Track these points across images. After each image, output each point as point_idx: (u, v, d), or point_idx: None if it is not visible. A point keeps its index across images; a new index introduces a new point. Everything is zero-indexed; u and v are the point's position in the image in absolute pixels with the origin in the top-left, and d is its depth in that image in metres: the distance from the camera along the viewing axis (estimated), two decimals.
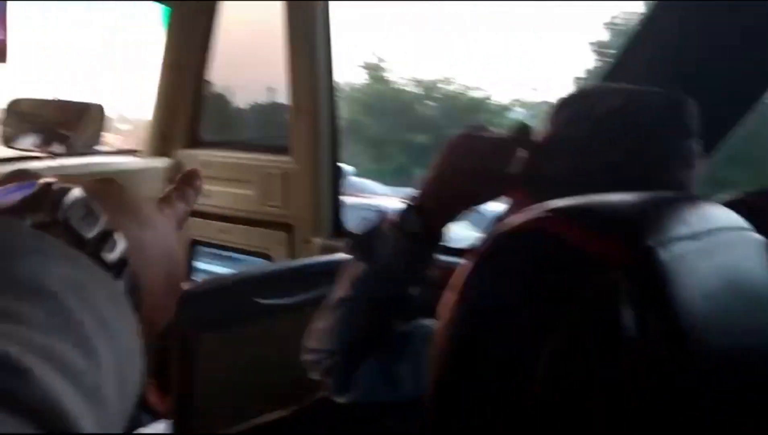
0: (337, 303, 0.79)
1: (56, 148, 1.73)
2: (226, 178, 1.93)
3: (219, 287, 1.22)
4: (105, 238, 0.31)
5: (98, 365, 0.27)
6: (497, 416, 0.45)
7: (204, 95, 2.05)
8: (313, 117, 1.75)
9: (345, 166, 1.82)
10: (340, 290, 0.79)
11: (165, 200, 0.40)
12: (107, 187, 0.35)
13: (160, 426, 1.17)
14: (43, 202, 0.30)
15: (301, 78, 1.76)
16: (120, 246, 0.31)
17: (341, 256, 1.34)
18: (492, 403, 0.46)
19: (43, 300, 0.26)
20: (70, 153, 1.72)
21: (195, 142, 2.05)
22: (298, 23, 1.74)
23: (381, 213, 0.80)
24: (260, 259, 1.87)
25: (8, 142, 1.77)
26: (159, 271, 0.35)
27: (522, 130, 0.75)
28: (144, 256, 0.33)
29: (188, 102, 2.04)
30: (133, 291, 0.32)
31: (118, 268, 0.31)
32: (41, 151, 1.72)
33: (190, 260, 2.03)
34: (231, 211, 1.92)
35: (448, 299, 0.49)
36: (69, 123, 1.77)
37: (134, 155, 2.04)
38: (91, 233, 0.30)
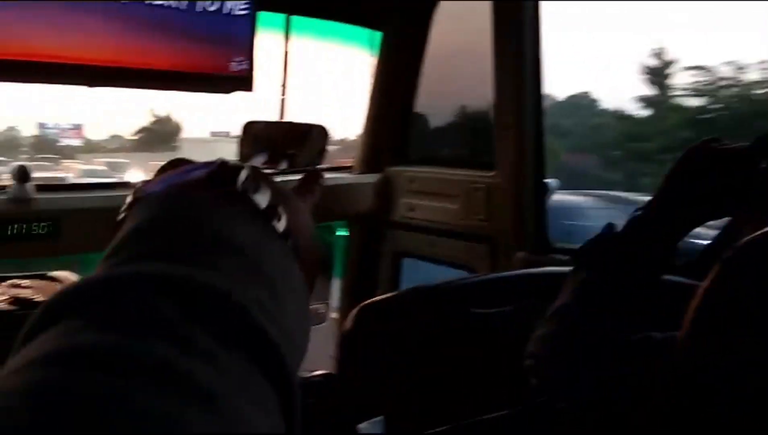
0: (560, 311, 0.81)
1: (283, 165, 1.92)
2: (431, 193, 2.02)
3: (433, 295, 1.29)
4: (274, 210, 0.34)
5: (286, 312, 0.29)
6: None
7: (412, 115, 2.16)
8: (518, 132, 1.78)
9: (551, 181, 1.82)
10: (563, 298, 0.81)
11: (297, 191, 0.42)
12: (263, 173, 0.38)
13: (377, 421, 1.26)
14: (224, 176, 0.34)
15: (507, 94, 1.79)
16: (285, 218, 0.34)
17: (550, 269, 1.36)
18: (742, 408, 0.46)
19: (234, 254, 0.30)
20: (294, 169, 1.90)
21: (402, 159, 2.16)
22: (505, 38, 1.77)
23: (609, 223, 0.80)
24: (463, 272, 1.92)
25: (244, 160, 1.99)
26: (305, 251, 0.36)
27: (763, 141, 0.71)
28: (296, 233, 0.36)
29: (396, 122, 2.16)
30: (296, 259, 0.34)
31: (285, 237, 0.34)
32: (270, 168, 1.92)
33: (396, 270, 2.14)
34: (436, 224, 2.00)
35: (693, 306, 0.50)
36: (295, 142, 1.95)
37: (348, 171, 2.20)
38: (263, 204, 0.34)
